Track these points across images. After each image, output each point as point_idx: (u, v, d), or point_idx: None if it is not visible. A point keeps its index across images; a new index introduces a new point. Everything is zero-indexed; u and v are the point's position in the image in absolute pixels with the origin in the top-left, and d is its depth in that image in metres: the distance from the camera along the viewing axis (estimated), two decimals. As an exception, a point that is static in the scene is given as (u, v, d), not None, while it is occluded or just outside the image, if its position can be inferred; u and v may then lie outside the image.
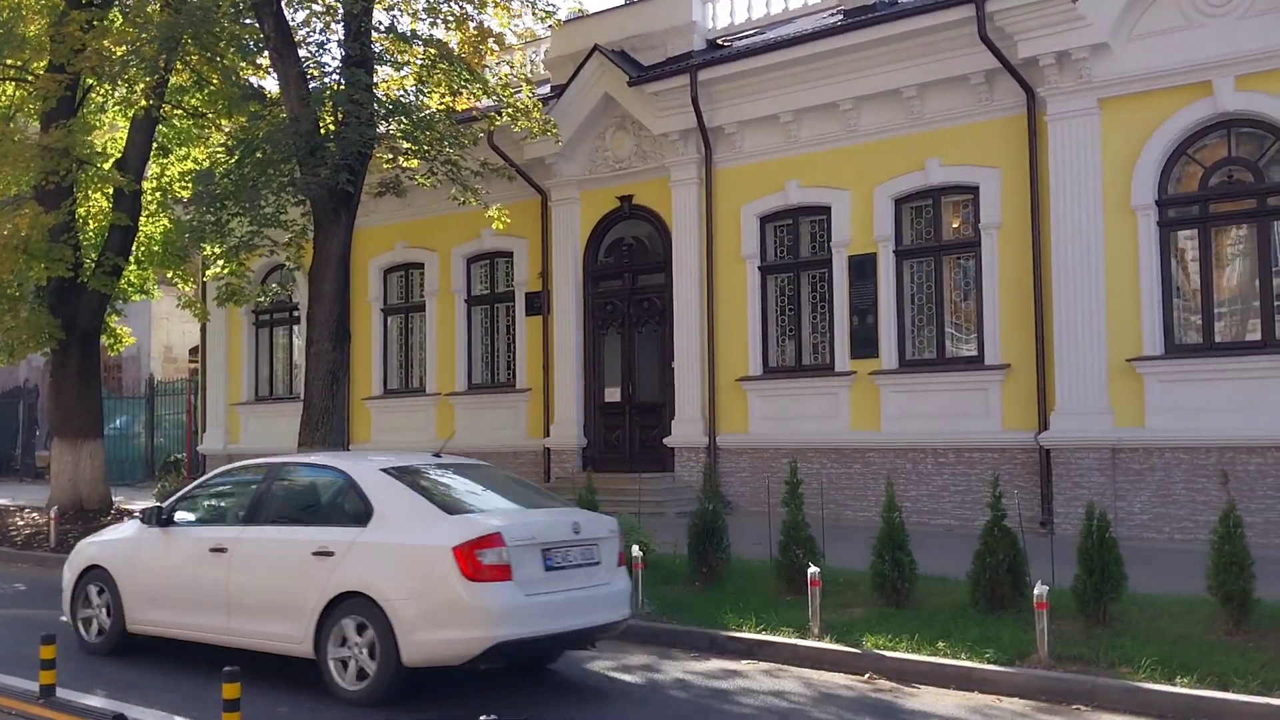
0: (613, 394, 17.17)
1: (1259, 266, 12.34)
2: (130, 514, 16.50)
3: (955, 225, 14.50)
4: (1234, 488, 12.06)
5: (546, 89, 17.73)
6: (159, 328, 27.13)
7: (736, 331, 15.85)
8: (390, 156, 13.92)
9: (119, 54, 13.57)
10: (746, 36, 16.52)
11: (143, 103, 15.10)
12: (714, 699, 6.99)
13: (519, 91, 15.25)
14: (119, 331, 18.78)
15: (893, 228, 14.64)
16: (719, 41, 16.74)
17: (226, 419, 22.04)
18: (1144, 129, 12.82)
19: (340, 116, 13.41)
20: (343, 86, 13.25)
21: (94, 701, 6.78)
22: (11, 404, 27.20)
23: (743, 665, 7.96)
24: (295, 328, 21.39)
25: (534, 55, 18.72)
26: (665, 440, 16.28)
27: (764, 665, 7.93)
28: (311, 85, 13.68)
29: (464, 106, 15.57)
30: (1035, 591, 7.39)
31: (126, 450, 24.38)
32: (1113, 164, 12.98)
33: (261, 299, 17.93)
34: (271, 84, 15.86)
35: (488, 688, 7.24)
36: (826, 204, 15.20)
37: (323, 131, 13.39)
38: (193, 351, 28.29)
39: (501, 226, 16.09)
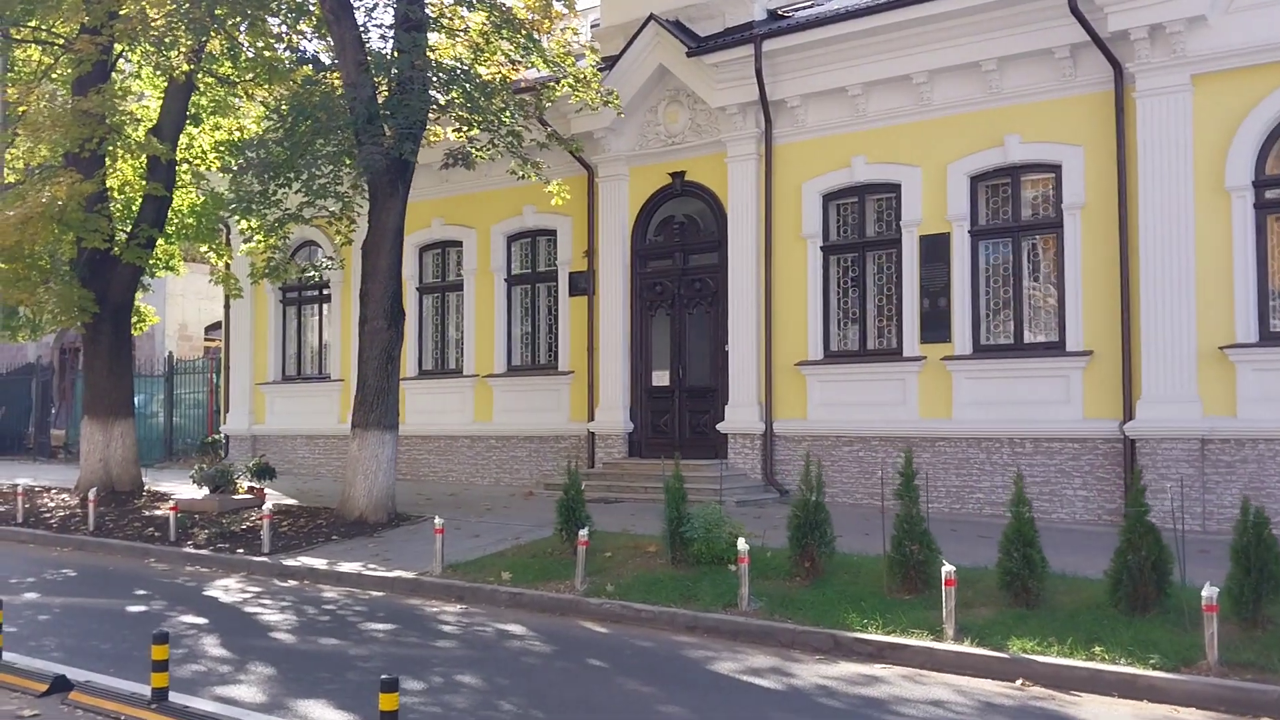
0: (661, 377, 16.59)
1: (1363, 251, 11.82)
2: (162, 496, 16.03)
3: (1035, 205, 13.92)
4: (1334, 481, 11.66)
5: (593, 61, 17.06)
6: (174, 305, 26.42)
7: (795, 314, 15.27)
8: (455, 127, 13.23)
9: (161, 15, 12.87)
10: (808, 6, 15.87)
11: (184, 66, 14.38)
12: (869, 708, 6.43)
13: (581, 59, 14.57)
14: (143, 309, 18.11)
15: (968, 206, 14.06)
16: (779, 12, 16.10)
17: (251, 399, 21.38)
18: (1240, 107, 12.26)
19: (394, 84, 12.79)
20: (399, 53, 12.57)
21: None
22: (24, 381, 26.47)
23: (877, 670, 7.40)
24: (325, 306, 20.74)
25: (581, 26, 18.04)
26: (719, 426, 15.71)
27: (900, 670, 7.38)
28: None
29: (513, 77, 14.93)
30: (1204, 594, 6.84)
31: (144, 430, 23.60)
32: (1205, 143, 12.42)
33: (308, 273, 17.12)
34: (312, 49, 15.16)
35: (632, 696, 6.70)
36: (896, 181, 14.61)
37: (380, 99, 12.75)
38: (209, 329, 27.69)
39: (561, 202, 15.48)
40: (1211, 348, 12.29)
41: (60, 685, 6.66)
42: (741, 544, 8.77)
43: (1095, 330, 13.14)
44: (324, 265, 15.59)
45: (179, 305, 26.75)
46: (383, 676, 4.63)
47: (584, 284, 17.18)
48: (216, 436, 16.64)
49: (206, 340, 27.43)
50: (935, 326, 14.26)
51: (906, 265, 14.48)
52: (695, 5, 16.14)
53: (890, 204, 14.82)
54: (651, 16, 15.88)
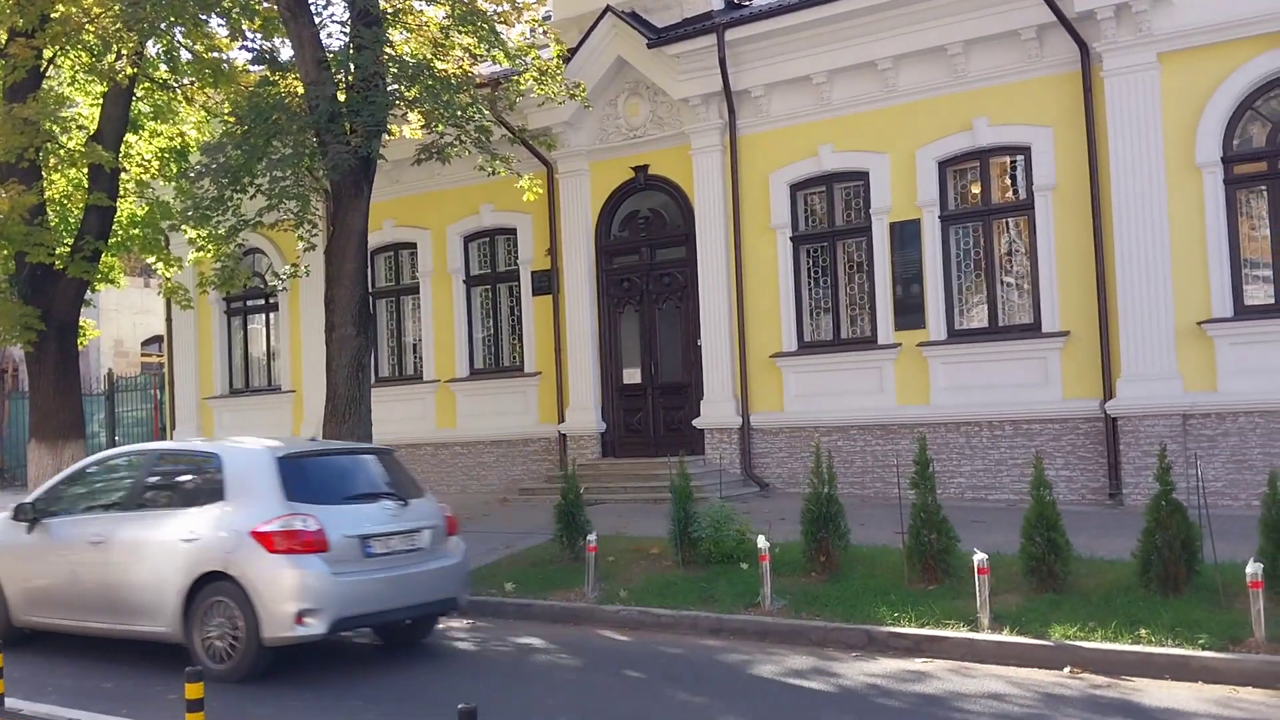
0: (632, 375, 16.33)
1: (1333, 223, 12.00)
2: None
3: (1006, 188, 13.94)
4: (1315, 450, 11.83)
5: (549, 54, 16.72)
6: (109, 320, 25.45)
7: (768, 305, 15.12)
8: (421, 123, 12.80)
9: (105, 14, 12.25)
10: (768, -6, 15.71)
11: (127, 70, 13.73)
12: (931, 706, 6.27)
13: (545, 49, 14.21)
14: (84, 324, 17.33)
15: (938, 192, 14.02)
16: (737, 0, 15.92)
17: (198, 414, 20.65)
18: (1208, 84, 12.37)
19: (356, 81, 12.34)
20: (360, 49, 12.11)
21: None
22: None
23: (919, 664, 7.25)
24: (273, 315, 20.12)
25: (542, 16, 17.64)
26: (694, 422, 15.51)
27: (943, 663, 7.24)
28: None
29: (472, 71, 14.51)
30: (1249, 570, 6.82)
31: (85, 451, 22.76)
32: (1175, 121, 12.52)
33: (272, 282, 16.34)
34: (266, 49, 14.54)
35: (687, 707, 6.43)
36: (864, 169, 14.52)
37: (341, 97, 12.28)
38: (146, 344, 26.75)
39: (534, 197, 15.12)
40: (1189, 323, 12.39)
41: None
42: (762, 541, 8.57)
43: (1071, 311, 13.18)
44: (288, 272, 14.99)
45: (114, 320, 25.78)
46: (460, 706, 4.31)
47: (548, 283, 16.84)
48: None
49: (144, 356, 26.51)
50: (909, 313, 14.21)
51: (878, 253, 14.40)
52: (652, -5, 15.91)
53: (859, 192, 14.74)
54: (608, 8, 15.60)
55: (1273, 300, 12.23)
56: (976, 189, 14.03)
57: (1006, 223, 13.92)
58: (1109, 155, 12.80)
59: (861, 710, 6.20)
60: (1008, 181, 13.94)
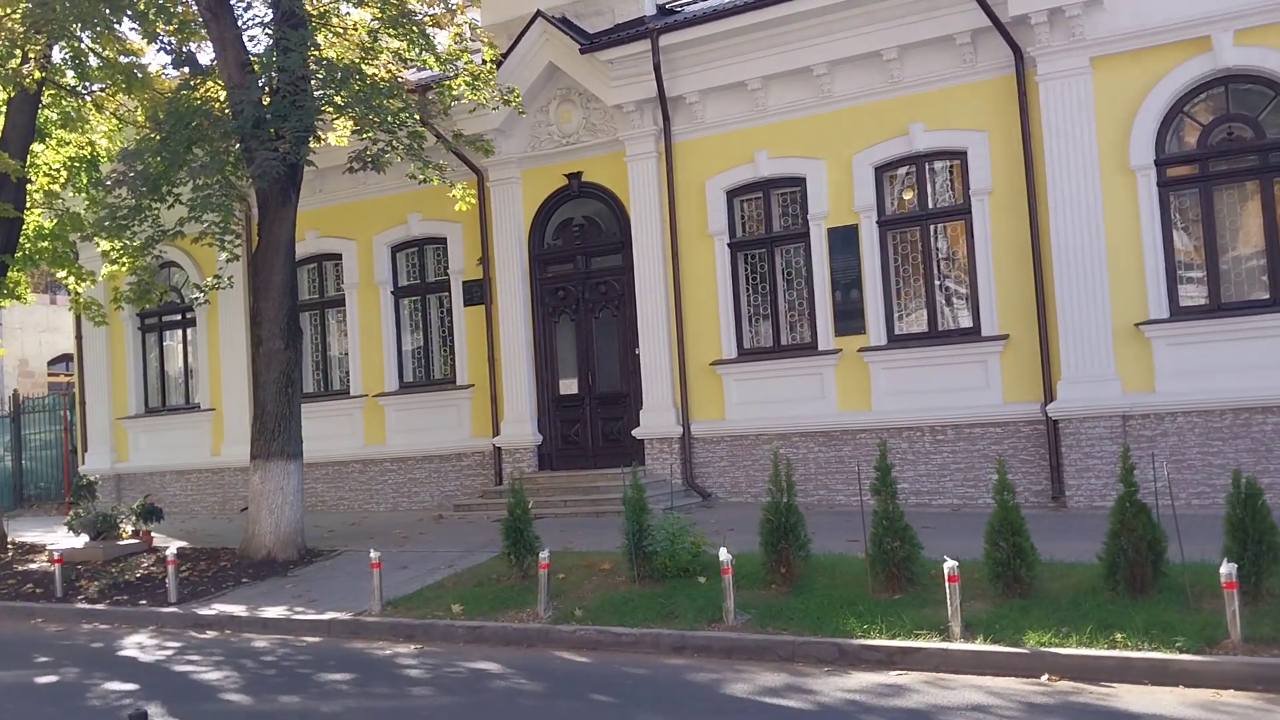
0: (569, 386, 16.00)
1: (1263, 223, 12.18)
2: (33, 548, 14.54)
3: (943, 193, 13.93)
4: (1250, 448, 11.99)
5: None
6: (12, 339, 24.28)
7: (706, 313, 14.93)
8: (353, 128, 12.33)
9: (14, 15, 11.59)
10: (698, 0, 15.57)
11: (35, 74, 13.03)
12: (916, 721, 6.06)
13: (477, 53, 13.83)
14: (-13, 343, 16.48)
15: (874, 197, 13.98)
16: (669, 6, 15.75)
17: (112, 435, 19.78)
18: (1140, 88, 12.51)
19: (276, 85, 11.85)
20: (286, 52, 11.63)
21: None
22: None
23: (894, 677, 7.05)
24: (190, 331, 19.36)
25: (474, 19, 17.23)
26: (634, 432, 15.23)
27: (920, 675, 7.05)
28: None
29: (402, 75, 14.11)
30: (1223, 571, 6.76)
31: (-13, 476, 21.71)
32: (1108, 124, 12.64)
33: (194, 296, 15.54)
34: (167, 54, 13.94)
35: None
36: (800, 175, 14.42)
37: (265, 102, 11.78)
38: (53, 363, 25.62)
39: (466, 207, 14.71)
40: (1127, 325, 12.49)
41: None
42: (724, 554, 8.31)
43: (1010, 314, 13.22)
44: (210, 284, 14.32)
45: (18, 339, 24.60)
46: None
47: (480, 293, 16.44)
48: (92, 478, 15.22)
49: (51, 375, 25.37)
50: (849, 319, 14.13)
51: (816, 259, 14.31)
52: (582, 0, 15.64)
53: (796, 198, 14.64)
54: (539, 13, 15.31)
55: (1207, 301, 12.39)
56: (913, 194, 14.02)
57: (944, 227, 13.90)
58: (1044, 159, 12.87)
59: (846, 729, 5.98)
60: (944, 186, 13.94)
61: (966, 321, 13.64)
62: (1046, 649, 6.97)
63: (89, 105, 15.53)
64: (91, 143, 16.04)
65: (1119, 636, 6.94)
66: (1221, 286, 12.36)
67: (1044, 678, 6.79)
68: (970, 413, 13.36)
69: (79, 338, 19.55)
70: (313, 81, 12.07)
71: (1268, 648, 6.63)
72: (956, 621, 7.43)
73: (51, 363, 25.76)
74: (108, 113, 15.69)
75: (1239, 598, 6.76)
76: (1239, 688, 6.34)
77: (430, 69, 13.96)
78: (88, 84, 15.19)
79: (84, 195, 14.77)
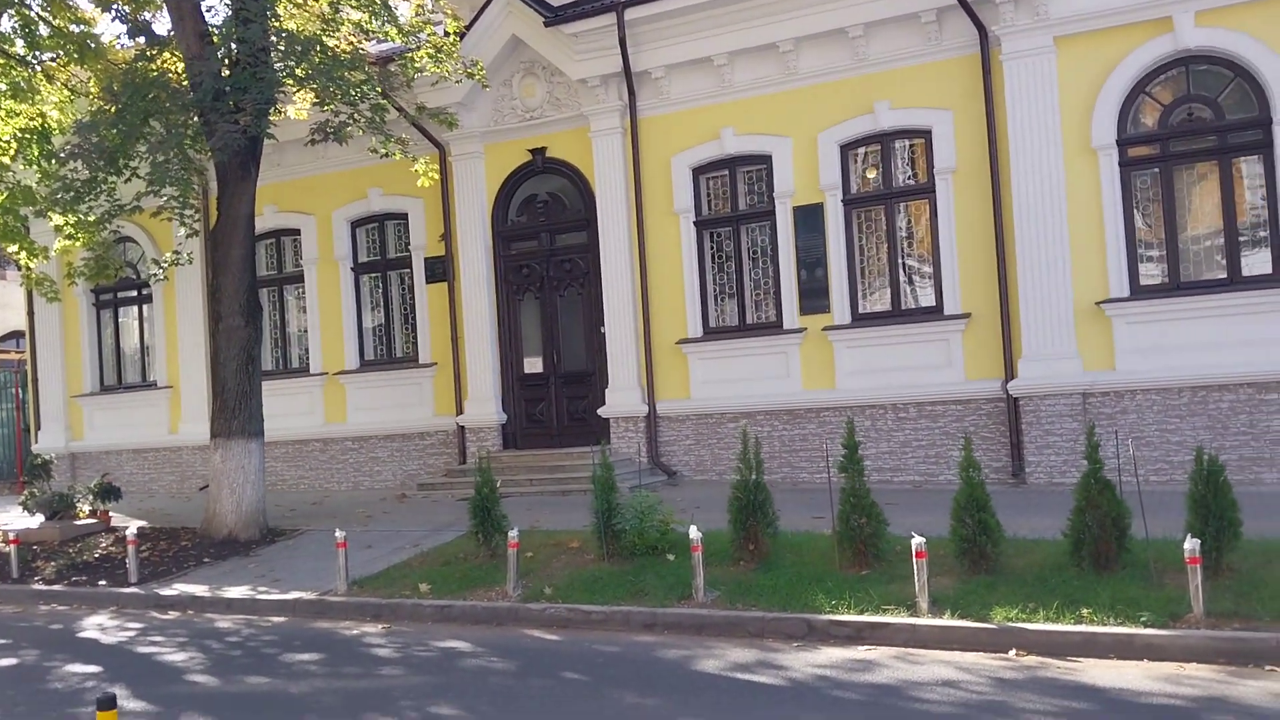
0: (534, 364, 15.92)
1: (1222, 203, 12.33)
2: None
3: (907, 171, 13.97)
4: (1207, 425, 12.18)
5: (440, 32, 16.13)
6: (-43, 316, 23.74)
7: (672, 291, 14.90)
8: (314, 100, 12.12)
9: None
10: (665, -25, 15.41)
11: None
12: (889, 697, 6.10)
13: (440, 24, 13.64)
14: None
15: (840, 175, 13.99)
16: (634, -20, 15.57)
17: (67, 413, 19.44)
18: (1103, 67, 12.60)
19: (236, 56, 11.63)
20: (247, 23, 11.40)
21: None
22: None
23: (864, 653, 7.10)
24: (146, 307, 19.05)
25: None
26: (600, 411, 15.19)
27: (888, 651, 7.10)
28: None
29: (364, 47, 13.88)
30: (1187, 547, 6.85)
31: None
32: (1071, 104, 12.73)
33: (152, 272, 15.20)
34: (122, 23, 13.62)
35: (640, 711, 6.13)
36: (766, 152, 14.40)
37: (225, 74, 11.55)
38: (2, 340, 25.11)
39: (429, 182, 14.55)
40: (1088, 304, 12.62)
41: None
42: (694, 531, 8.33)
43: (973, 293, 13.30)
44: (168, 260, 14.04)
45: (-39, 316, 24.08)
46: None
47: (442, 269, 16.29)
48: (48, 457, 14.93)
49: (1, 352, 24.86)
50: (814, 297, 14.17)
51: (782, 237, 14.31)
52: (546, -27, 15.47)
53: (762, 175, 14.62)
54: (502, -15, 15.13)
55: (1167, 280, 12.54)
56: (878, 173, 14.04)
57: (908, 206, 13.95)
58: (1008, 138, 12.94)
59: (820, 706, 5.99)
60: (910, 165, 13.98)
61: (929, 300, 13.71)
62: (1013, 624, 7.05)
63: (39, 75, 15.16)
64: (43, 114, 15.65)
65: (1085, 612, 7.03)
66: (1180, 266, 12.52)
67: (1011, 653, 6.87)
68: (932, 391, 13.45)
69: (31, 314, 19.17)
70: (273, 53, 11.85)
71: (1228, 621, 6.74)
72: (924, 597, 7.49)
73: (1, 339, 25.25)
74: (59, 83, 15.34)
75: (1201, 573, 6.86)
76: (1201, 661, 6.44)
77: (392, 41, 13.77)
78: (38, 53, 14.86)
79: (36, 168, 14.41)
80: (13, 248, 15.44)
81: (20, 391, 20.88)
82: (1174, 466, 12.16)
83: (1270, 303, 11.88)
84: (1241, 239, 12.29)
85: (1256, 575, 7.48)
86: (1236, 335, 12.02)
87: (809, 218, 14.15)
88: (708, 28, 14.34)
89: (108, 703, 4.88)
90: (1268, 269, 12.06)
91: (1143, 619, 6.84)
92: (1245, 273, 12.19)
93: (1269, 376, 11.80)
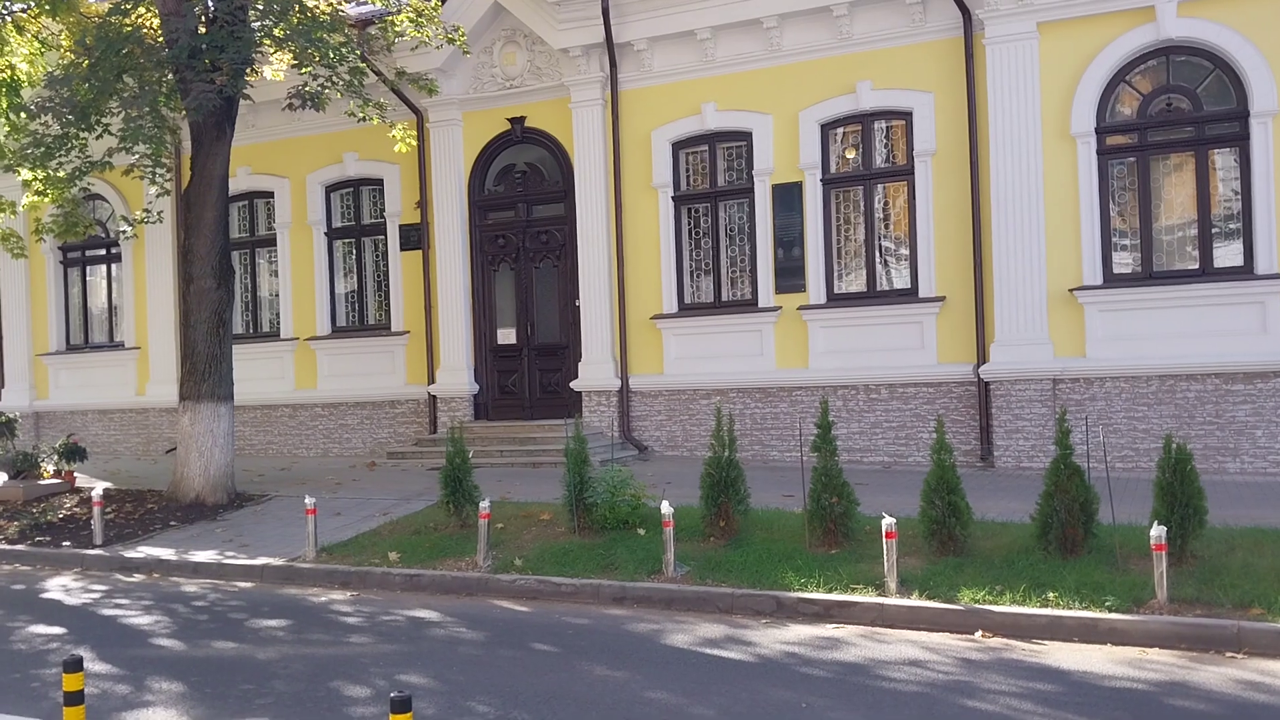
0: (507, 335, 15.87)
1: (1196, 195, 12.43)
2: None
3: (887, 152, 13.97)
4: (1174, 414, 12.31)
5: None
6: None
7: (649, 266, 14.87)
8: (292, 62, 11.94)
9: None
10: (649, -54, 15.29)
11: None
12: (855, 675, 6.14)
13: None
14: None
15: (819, 154, 13.98)
16: (619, -49, 15.44)
17: (31, 372, 19.22)
18: (1084, 55, 12.64)
19: (213, 14, 11.44)
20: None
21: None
22: None
23: (831, 630, 7.15)
24: (115, 266, 18.81)
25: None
26: (572, 384, 15.17)
27: (856, 629, 7.15)
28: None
29: (336, 7, 13.68)
30: (1153, 533, 6.93)
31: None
32: (1052, 90, 12.76)
33: (122, 229, 14.98)
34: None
35: (609, 684, 6.14)
36: (747, 129, 14.36)
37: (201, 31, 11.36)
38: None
39: (407, 148, 14.40)
40: (1061, 290, 12.70)
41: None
42: (665, 507, 8.33)
43: (948, 276, 13.36)
44: (138, 218, 13.83)
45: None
46: (394, 695, 3.93)
47: (417, 237, 16.18)
48: (13, 415, 14.73)
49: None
50: (790, 276, 14.19)
51: (760, 215, 14.30)
52: (530, -60, 15.30)
53: (742, 152, 14.59)
54: (485, -49, 14.96)
55: (1139, 269, 12.63)
56: (857, 153, 14.04)
57: (887, 187, 13.96)
58: (988, 123, 12.97)
59: (789, 682, 6.02)
60: (889, 146, 13.98)
61: (905, 282, 13.76)
62: (980, 606, 7.11)
63: (9, 26, 14.83)
64: (12, 66, 15.34)
65: (1051, 595, 7.10)
66: (1154, 255, 12.62)
67: (977, 634, 6.94)
68: (905, 373, 13.52)
69: (-6, 270, 18.90)
70: (251, 12, 11.68)
71: (1191, 607, 6.83)
72: (893, 577, 7.54)
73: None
74: (29, 35, 15.03)
75: (1166, 559, 6.95)
76: (1164, 646, 6.52)
77: (372, 4, 13.58)
78: (8, 3, 14.53)
79: (4, 120, 14.15)
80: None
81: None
82: (1140, 454, 12.31)
83: (1240, 295, 12.00)
84: (1214, 230, 12.39)
85: (1219, 563, 7.58)
86: (1206, 326, 12.15)
87: (787, 196, 14.15)
88: (692, 1, 14.24)
89: (74, 665, 4.83)
90: (1239, 261, 12.18)
91: (1107, 603, 6.92)
92: (1217, 264, 12.31)
93: (1235, 367, 11.93)
